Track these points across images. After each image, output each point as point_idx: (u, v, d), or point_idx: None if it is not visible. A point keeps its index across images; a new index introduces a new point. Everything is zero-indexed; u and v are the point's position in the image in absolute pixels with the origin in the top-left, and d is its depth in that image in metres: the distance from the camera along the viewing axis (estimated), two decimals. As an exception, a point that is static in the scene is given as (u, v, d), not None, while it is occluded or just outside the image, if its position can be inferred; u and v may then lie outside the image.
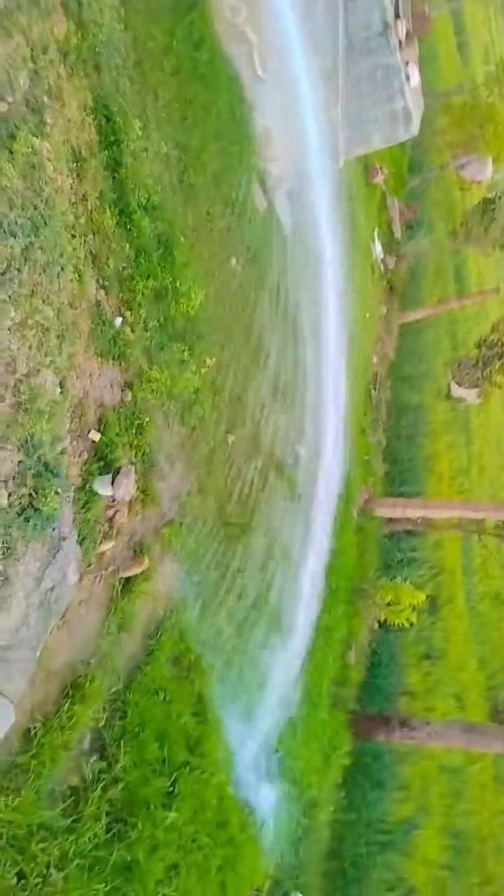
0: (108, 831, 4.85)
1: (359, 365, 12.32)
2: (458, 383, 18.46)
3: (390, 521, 13.27)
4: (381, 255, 15.79)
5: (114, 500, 5.22)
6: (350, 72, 8.73)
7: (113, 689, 5.13)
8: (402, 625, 10.91)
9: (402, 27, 9.14)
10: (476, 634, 16.77)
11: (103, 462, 5.06)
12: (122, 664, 5.27)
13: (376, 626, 11.35)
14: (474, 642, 16.60)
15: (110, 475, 5.11)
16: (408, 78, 9.19)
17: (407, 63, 9.22)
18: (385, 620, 11.07)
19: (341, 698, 9.82)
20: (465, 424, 21.66)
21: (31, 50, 3.99)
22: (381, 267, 15.87)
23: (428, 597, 12.03)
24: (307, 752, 8.34)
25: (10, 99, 3.69)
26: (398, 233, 17.52)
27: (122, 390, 5.60)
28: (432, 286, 21.81)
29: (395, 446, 15.36)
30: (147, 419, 5.67)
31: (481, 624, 17.18)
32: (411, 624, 11.00)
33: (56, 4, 4.45)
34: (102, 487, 5.05)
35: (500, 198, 17.44)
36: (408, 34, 9.46)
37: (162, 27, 6.63)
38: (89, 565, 4.91)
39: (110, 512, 5.31)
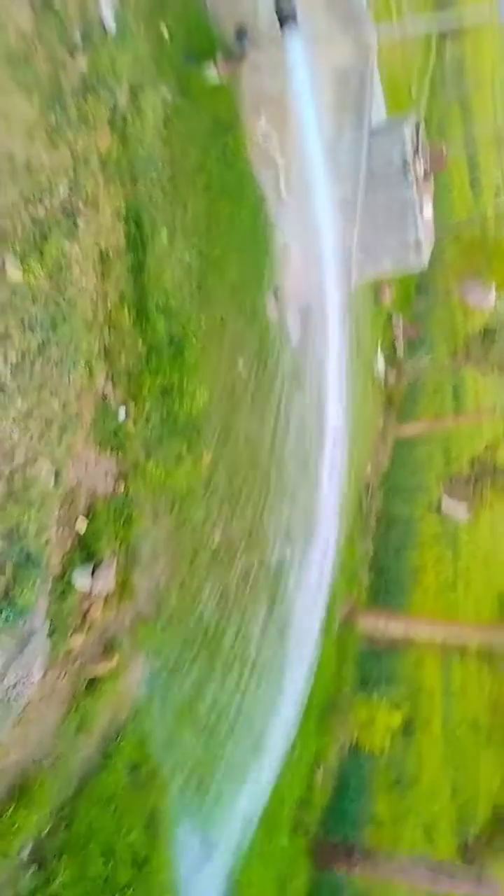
0: None
1: (353, 473, 12.42)
2: (449, 495, 18.58)
3: (372, 634, 13.02)
4: (383, 370, 16.24)
5: (91, 593, 5.13)
6: (368, 201, 9.27)
7: (63, 796, 4.86)
8: (375, 750, 10.51)
9: (420, 165, 9.78)
10: (450, 761, 16.10)
11: (86, 552, 5.02)
12: (75, 768, 5.02)
13: (348, 746, 10.89)
14: (448, 770, 15.91)
15: (91, 566, 5.05)
16: (422, 211, 9.76)
17: (422, 198, 9.81)
18: (358, 743, 10.65)
19: (304, 822, 9.30)
20: (453, 540, 21.62)
21: (74, 161, 4.26)
22: (382, 380, 16.29)
23: (404, 718, 11.63)
24: (262, 878, 7.83)
25: (48, 204, 3.91)
26: (401, 349, 18.10)
27: (116, 481, 5.63)
28: (430, 402, 22.29)
29: (382, 557, 15.25)
30: (136, 512, 5.67)
31: (457, 751, 16.52)
32: (383, 751, 10.61)
33: (103, 121, 4.77)
34: (81, 579, 4.98)
35: (501, 327, 18.14)
36: (425, 172, 10.12)
37: (198, 147, 7.10)
38: (56, 659, 4.77)
39: (86, 604, 5.20)
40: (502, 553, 26.61)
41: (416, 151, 9.76)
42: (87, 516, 5.17)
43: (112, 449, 5.44)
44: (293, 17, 3.65)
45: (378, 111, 10.26)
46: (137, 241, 5.67)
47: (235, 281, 7.79)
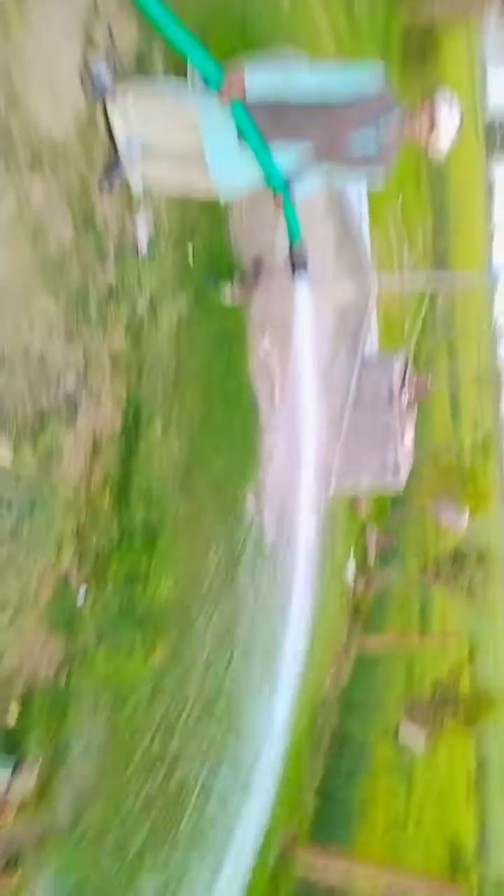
0: None
1: (310, 685, 11.91)
2: (408, 719, 17.69)
3: (310, 873, 11.72)
4: (353, 577, 16.22)
5: (6, 793, 4.65)
6: (354, 421, 9.88)
7: None
8: None
9: (405, 397, 10.55)
10: None
11: (11, 744, 4.62)
12: None
13: None
14: None
15: (12, 763, 4.62)
16: (403, 438, 10.37)
17: (404, 426, 10.47)
18: None
19: None
20: (408, 771, 20.27)
21: (86, 357, 4.52)
22: (351, 588, 16.21)
23: None
24: None
25: (53, 394, 4.08)
26: (372, 559, 18.24)
27: (60, 668, 5.32)
28: (397, 616, 22.02)
29: (331, 781, 14.17)
30: (74, 706, 5.31)
31: None
32: None
33: (121, 324, 5.14)
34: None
35: (471, 552, 18.46)
36: (409, 403, 10.88)
37: (204, 353, 7.63)
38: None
39: (-1, 806, 4.69)
40: (458, 794, 24.89)
41: (402, 384, 10.56)
42: (21, 703, 4.83)
43: (63, 633, 5.21)
44: (304, 265, 4.13)
45: (372, 343, 11.23)
46: (132, 429, 5.87)
47: (219, 476, 8.00)
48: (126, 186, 4.87)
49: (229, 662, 7.88)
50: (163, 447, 6.78)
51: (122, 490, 5.83)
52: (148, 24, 4.07)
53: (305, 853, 11.47)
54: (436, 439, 29.35)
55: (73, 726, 5.16)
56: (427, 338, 28.87)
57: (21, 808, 4.71)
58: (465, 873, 17.56)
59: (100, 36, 4.40)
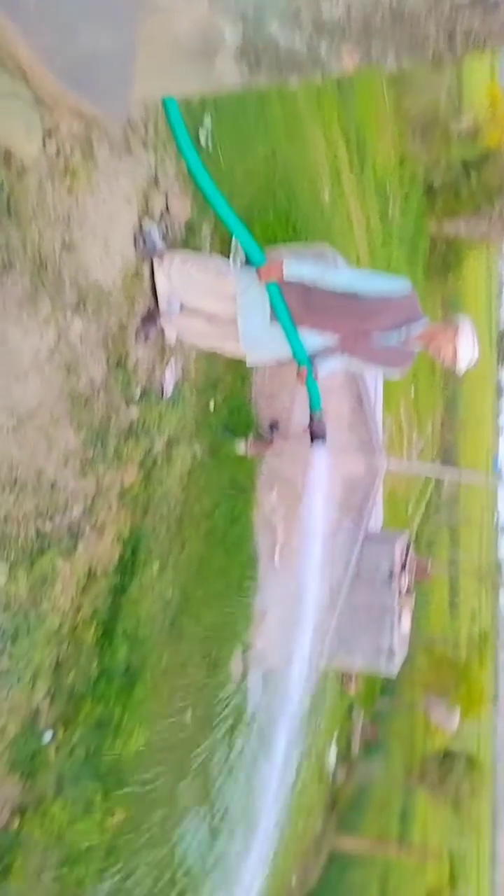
0: None
1: (274, 885, 10.72)
2: None
3: None
4: (333, 765, 15.13)
5: None
6: (352, 596, 9.74)
7: None
8: None
9: (405, 579, 10.47)
10: None
11: None
12: None
13: None
14: None
15: None
16: (399, 622, 10.17)
17: (402, 610, 10.30)
18: None
19: None
20: None
21: (97, 489, 4.62)
22: (330, 777, 15.07)
23: None
24: None
25: (57, 521, 4.14)
26: (356, 747, 17.13)
27: (12, 814, 4.91)
28: (376, 817, 20.28)
29: None
30: (20, 859, 4.82)
31: None
32: None
33: (135, 461, 5.30)
34: None
35: (460, 756, 17.37)
36: (408, 588, 10.78)
37: (211, 499, 7.75)
38: None
39: None
40: None
41: (403, 567, 10.54)
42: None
43: (22, 775, 4.87)
44: (323, 436, 4.36)
45: (376, 519, 11.36)
46: (128, 566, 5.84)
47: (208, 628, 7.80)
48: (161, 337, 5.26)
49: (190, 839, 7.19)
50: (156, 588, 6.68)
51: (109, 626, 5.68)
52: (202, 201, 4.60)
53: None
54: (432, 628, 28.57)
55: (15, 883, 4.66)
56: (430, 523, 29.11)
57: None
58: None
59: (156, 203, 4.97)
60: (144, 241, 4.74)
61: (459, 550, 36.65)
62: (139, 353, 4.98)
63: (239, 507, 8.51)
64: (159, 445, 5.77)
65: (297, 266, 4.02)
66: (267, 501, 9.44)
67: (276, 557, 9.40)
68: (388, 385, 13.33)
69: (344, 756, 16.13)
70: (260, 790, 8.61)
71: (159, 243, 4.82)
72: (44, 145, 3.43)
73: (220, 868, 7.62)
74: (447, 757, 18.07)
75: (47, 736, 5.24)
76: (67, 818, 5.20)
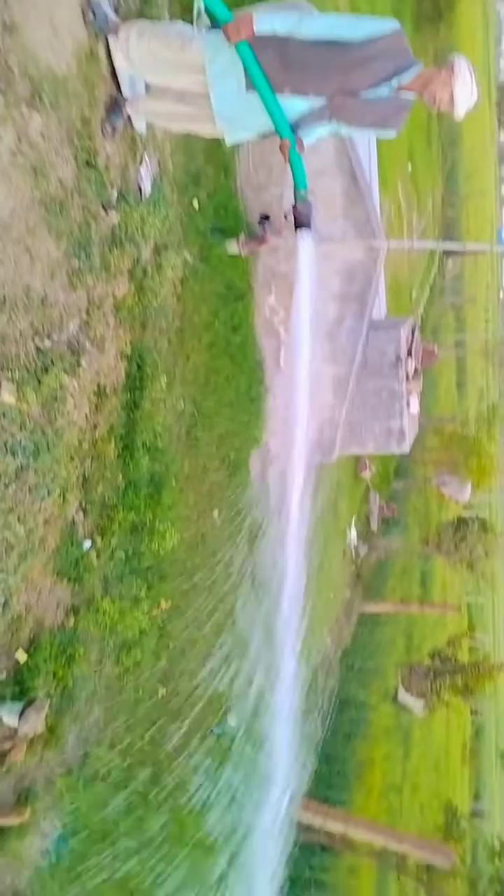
0: None
1: (312, 645, 12.04)
2: (405, 688, 17.89)
3: (308, 828, 11.96)
4: (355, 542, 16.30)
5: (15, 733, 4.73)
6: (360, 385, 9.82)
7: None
8: None
9: (411, 363, 10.48)
10: None
11: (19, 687, 4.69)
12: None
13: None
14: None
15: (21, 704, 4.70)
16: (409, 405, 10.32)
17: (410, 393, 10.42)
18: None
19: None
20: (406, 736, 20.57)
21: (89, 303, 4.48)
22: (353, 553, 16.29)
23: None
24: None
25: (55, 338, 4.06)
26: (375, 525, 18.29)
27: (67, 614, 5.38)
28: (398, 583, 22.16)
29: (331, 742, 14.38)
30: (81, 651, 5.36)
31: None
32: None
33: (124, 272, 5.09)
34: (8, 716, 4.60)
35: (473, 521, 18.45)
36: (416, 370, 10.81)
37: (209, 307, 7.58)
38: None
39: (7, 745, 4.77)
40: (453, 760, 25.25)
41: (409, 351, 10.48)
42: (28, 648, 4.89)
43: (69, 580, 5.25)
44: (308, 222, 3.96)
45: (380, 307, 11.12)
46: (136, 381, 5.85)
47: (223, 434, 8.01)
48: (129, 128, 4.79)
49: (230, 614, 7.94)
50: (167, 401, 6.76)
51: (127, 441, 5.83)
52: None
53: (307, 807, 11.69)
54: (441, 409, 29.27)
55: (79, 672, 5.23)
56: (435, 306, 28.64)
57: (32, 746, 4.79)
58: (459, 836, 17.87)
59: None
60: (94, 14, 4.13)
61: (465, 332, 36.41)
62: (108, 149, 4.56)
63: (239, 314, 8.33)
64: (147, 253, 5.51)
65: (269, 18, 3.50)
66: (266, 304, 9.20)
67: (281, 359, 9.38)
68: (383, 163, 12.39)
69: (364, 534, 17.34)
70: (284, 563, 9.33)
71: (111, 15, 4.20)
72: None
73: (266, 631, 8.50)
74: (461, 524, 19.24)
75: (86, 544, 5.60)
76: (118, 611, 5.71)
